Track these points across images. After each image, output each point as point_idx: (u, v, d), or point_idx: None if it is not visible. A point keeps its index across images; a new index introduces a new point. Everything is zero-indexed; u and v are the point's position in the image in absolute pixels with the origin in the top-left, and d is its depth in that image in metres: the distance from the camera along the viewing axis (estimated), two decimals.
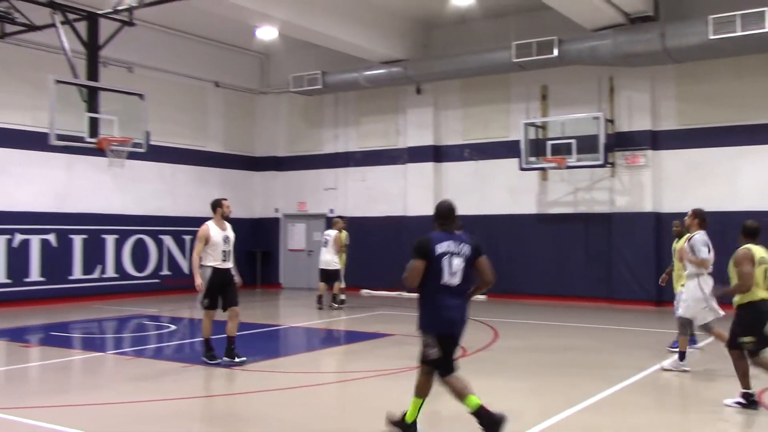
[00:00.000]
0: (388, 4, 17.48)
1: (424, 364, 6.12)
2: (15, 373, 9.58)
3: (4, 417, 6.92)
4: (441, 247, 5.99)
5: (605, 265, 16.66)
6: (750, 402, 7.23)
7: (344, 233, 16.55)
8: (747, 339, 7.21)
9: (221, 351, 9.67)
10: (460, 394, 6.01)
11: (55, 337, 12.48)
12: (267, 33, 17.31)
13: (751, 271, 7.12)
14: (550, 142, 16.66)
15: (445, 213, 6.25)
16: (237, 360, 9.57)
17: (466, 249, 6.12)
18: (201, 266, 9.54)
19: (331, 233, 16.34)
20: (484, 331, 12.61)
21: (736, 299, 7.35)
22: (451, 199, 6.45)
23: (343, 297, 16.44)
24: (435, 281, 5.97)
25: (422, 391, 6.17)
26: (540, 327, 13.35)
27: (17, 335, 12.57)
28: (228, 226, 9.88)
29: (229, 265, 9.77)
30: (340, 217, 17.38)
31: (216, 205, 9.84)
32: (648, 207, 16.48)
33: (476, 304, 16.44)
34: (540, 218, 17.78)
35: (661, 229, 16.17)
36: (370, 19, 17.35)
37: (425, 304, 6.11)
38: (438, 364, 6.04)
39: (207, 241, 9.52)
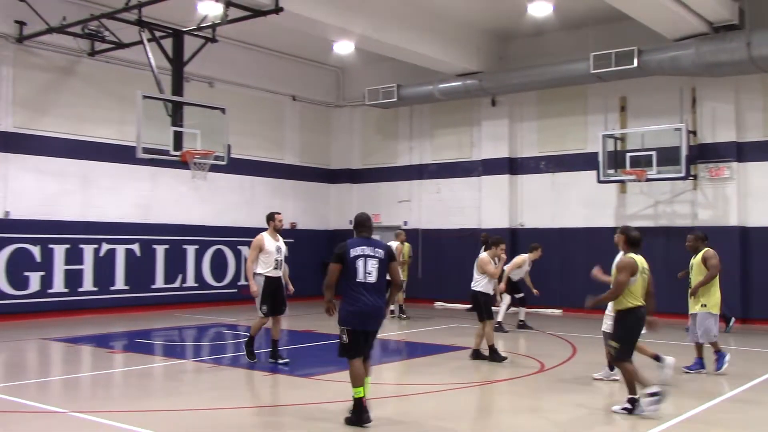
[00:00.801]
0: (464, 17, 17.49)
1: (341, 356, 7.11)
2: (101, 378, 9.91)
3: (91, 419, 7.18)
4: (355, 251, 7.03)
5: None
6: (634, 407, 7.48)
7: (407, 245, 17.00)
8: (614, 344, 7.60)
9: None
10: (355, 379, 6.92)
11: (138, 344, 12.87)
12: (344, 47, 17.54)
13: (626, 281, 7.40)
14: (629, 154, 16.33)
15: (361, 222, 7.37)
16: (281, 361, 10.27)
17: (380, 252, 7.14)
18: (255, 274, 10.20)
19: (393, 245, 16.38)
20: (562, 346, 12.40)
21: (615, 306, 7.70)
22: (366, 212, 7.71)
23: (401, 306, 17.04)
24: (351, 280, 7.00)
25: (357, 381, 6.97)
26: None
27: (103, 341, 13.02)
28: (280, 237, 10.52)
29: (280, 273, 10.41)
30: (401, 229, 17.74)
31: (270, 218, 10.51)
32: (733, 221, 15.94)
33: (552, 319, 16.23)
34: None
35: (747, 243, 15.63)
36: (446, 32, 17.39)
37: (344, 300, 7.09)
38: (347, 350, 7.03)
39: (261, 250, 10.21)
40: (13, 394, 8.32)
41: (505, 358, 10.68)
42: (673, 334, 12.16)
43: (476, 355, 10.87)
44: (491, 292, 11.07)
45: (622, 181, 16.88)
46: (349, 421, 6.92)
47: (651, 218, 17.19)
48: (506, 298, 14.35)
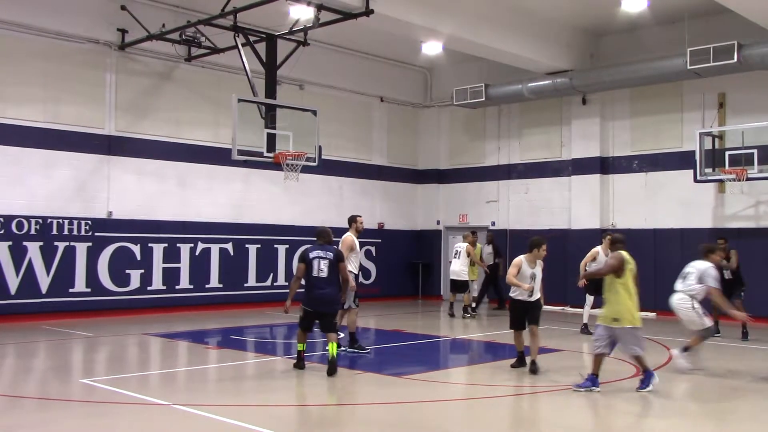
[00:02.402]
0: (554, 14, 17.23)
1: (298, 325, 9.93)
2: (198, 373, 10.26)
3: (192, 412, 7.43)
4: (313, 254, 9.74)
5: None
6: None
7: (479, 246, 17.71)
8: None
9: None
10: (298, 340, 9.92)
11: (232, 340, 13.23)
12: (432, 48, 17.56)
13: (615, 264, 8.72)
14: (728, 152, 15.73)
15: (319, 234, 10.14)
16: (364, 350, 11.37)
17: (330, 255, 9.77)
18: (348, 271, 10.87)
19: (462, 246, 17.03)
20: (657, 350, 12.06)
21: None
22: (327, 226, 10.53)
23: (473, 305, 17.33)
24: (309, 275, 9.66)
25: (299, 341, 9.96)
26: (720, 348, 12.57)
27: (199, 337, 13.45)
28: None
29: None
30: (472, 232, 17.86)
31: (352, 220, 11.51)
32: None
33: (646, 322, 15.82)
34: (717, 233, 16.74)
35: None
36: (536, 30, 17.18)
37: (305, 289, 9.76)
38: (300, 322, 9.90)
39: (352, 249, 11.18)
40: (118, 386, 8.71)
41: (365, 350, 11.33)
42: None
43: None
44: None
45: (720, 181, 16.28)
46: (294, 366, 9.88)
47: (752, 219, 16.51)
48: (589, 299, 13.80)
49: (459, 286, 16.91)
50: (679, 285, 10.17)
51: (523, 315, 9.95)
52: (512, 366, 10.10)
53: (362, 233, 11.84)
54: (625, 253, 8.81)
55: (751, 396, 8.91)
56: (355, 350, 11.23)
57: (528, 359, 9.96)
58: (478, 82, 19.57)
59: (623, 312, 8.55)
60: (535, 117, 20.25)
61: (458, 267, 16.81)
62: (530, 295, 9.89)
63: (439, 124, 22.48)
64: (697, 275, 9.96)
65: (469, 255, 16.95)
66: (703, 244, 10.55)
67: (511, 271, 9.89)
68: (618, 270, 8.68)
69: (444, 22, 15.29)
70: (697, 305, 9.98)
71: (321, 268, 9.64)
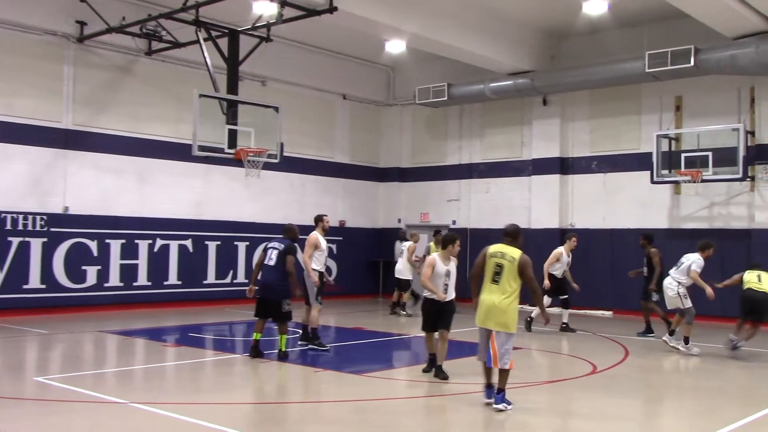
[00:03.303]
0: (516, 16, 17.38)
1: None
2: (156, 370, 10.14)
3: (150, 410, 7.35)
4: (270, 245, 10.71)
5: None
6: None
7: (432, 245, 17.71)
8: None
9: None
10: (255, 329, 10.50)
11: (191, 338, 13.11)
12: (395, 46, 17.59)
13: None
14: (684, 155, 16.05)
15: (284, 230, 10.96)
16: (324, 347, 11.35)
17: (280, 247, 10.54)
18: (312, 269, 11.22)
19: (406, 245, 17.08)
20: (614, 349, 12.27)
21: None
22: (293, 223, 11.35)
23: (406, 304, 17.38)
24: (262, 262, 10.60)
25: (257, 328, 10.62)
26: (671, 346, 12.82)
27: (156, 335, 13.30)
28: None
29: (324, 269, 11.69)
30: (437, 231, 18.02)
31: (318, 219, 11.68)
32: None
33: (603, 321, 16.03)
34: (672, 233, 17.11)
35: None
36: (498, 31, 17.31)
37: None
38: (255, 310, 10.60)
39: (316, 247, 11.32)
40: (74, 384, 8.57)
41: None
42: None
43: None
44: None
45: (676, 182, 16.59)
46: (249, 354, 10.49)
47: (706, 220, 16.86)
48: (546, 300, 13.60)
49: (403, 285, 17.09)
50: (672, 271, 12.00)
51: (437, 317, 9.22)
52: (424, 371, 9.51)
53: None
54: (494, 247, 7.87)
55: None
56: (316, 347, 11.24)
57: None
58: (441, 82, 19.66)
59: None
60: (497, 117, 20.41)
61: (401, 266, 17.00)
62: (445, 291, 9.21)
63: (402, 123, 22.53)
64: (688, 264, 11.74)
65: (412, 253, 17.00)
66: (701, 241, 12.24)
67: (426, 272, 9.24)
68: (477, 267, 7.89)
69: (407, 21, 15.33)
70: (682, 290, 11.74)
71: (270, 257, 10.48)
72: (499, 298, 7.53)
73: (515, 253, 7.65)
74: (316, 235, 11.38)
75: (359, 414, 7.55)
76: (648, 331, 13.67)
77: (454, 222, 20.92)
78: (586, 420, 7.80)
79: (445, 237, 9.59)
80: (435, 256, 9.38)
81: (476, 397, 8.02)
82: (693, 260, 11.75)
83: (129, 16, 15.22)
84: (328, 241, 11.97)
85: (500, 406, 7.47)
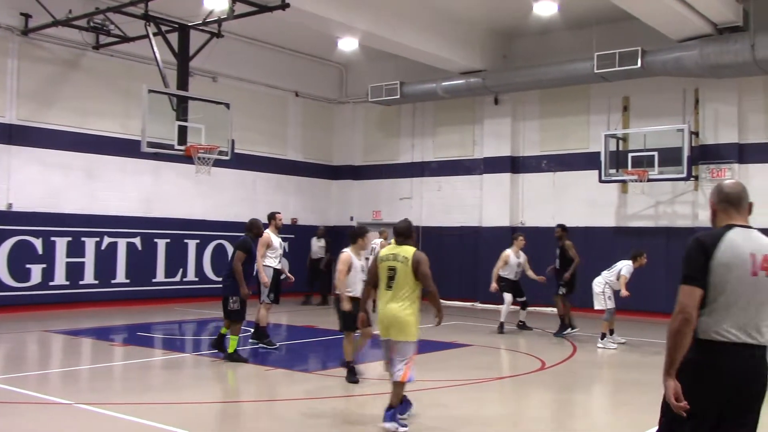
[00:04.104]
0: (468, 16, 17.51)
1: None
2: (103, 370, 9.96)
3: (96, 411, 7.22)
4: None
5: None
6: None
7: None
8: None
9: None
10: (225, 324, 10.20)
11: (139, 337, 12.91)
12: (348, 44, 17.57)
13: None
14: (631, 154, 16.36)
15: (246, 227, 10.60)
16: (273, 345, 11.27)
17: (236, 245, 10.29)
18: (264, 266, 11.10)
19: (377, 242, 17.31)
20: (561, 345, 12.46)
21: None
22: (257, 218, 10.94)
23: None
24: None
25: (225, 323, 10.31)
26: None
27: (104, 334, 13.06)
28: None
29: (280, 266, 11.52)
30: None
31: (271, 217, 11.60)
32: None
33: (552, 318, 16.25)
34: (619, 231, 17.45)
35: None
36: (451, 30, 17.41)
37: None
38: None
39: (268, 246, 11.15)
40: (17, 385, 8.37)
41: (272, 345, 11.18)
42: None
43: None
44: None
45: (623, 181, 16.92)
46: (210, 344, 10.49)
47: (652, 218, 17.23)
48: (507, 297, 13.81)
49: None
50: (604, 272, 12.52)
51: (357, 315, 8.18)
52: (351, 381, 8.81)
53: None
54: (384, 249, 7.08)
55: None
56: (265, 345, 11.18)
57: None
58: (394, 80, 19.70)
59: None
60: (449, 116, 20.54)
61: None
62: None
63: (354, 121, 22.52)
64: (619, 269, 12.25)
65: None
66: (633, 250, 12.65)
67: (341, 268, 8.74)
68: (370, 274, 7.22)
69: (360, 19, 15.31)
70: (608, 291, 12.28)
71: (231, 256, 10.49)
72: (396, 305, 6.71)
73: (408, 251, 6.77)
74: (268, 234, 11.31)
75: (310, 412, 7.52)
76: (568, 326, 13.52)
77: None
78: (530, 414, 7.91)
79: (355, 230, 9.10)
80: (349, 251, 8.86)
81: (435, 391, 8.07)
82: (624, 266, 12.26)
83: (76, 9, 14.90)
84: (281, 239, 11.86)
85: (389, 426, 6.55)
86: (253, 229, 10.58)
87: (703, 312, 3.64)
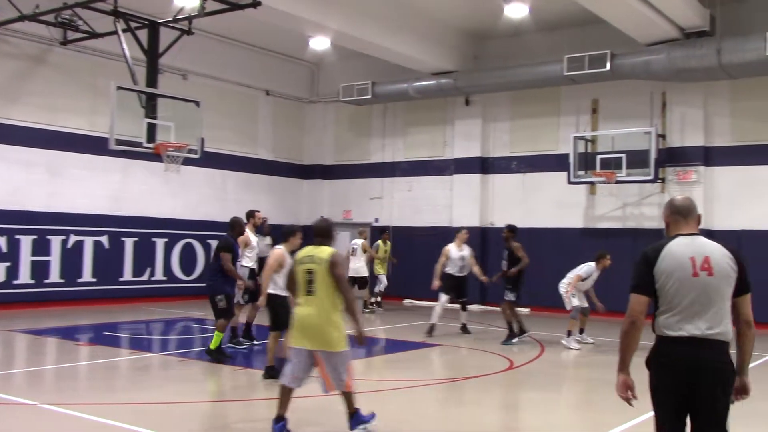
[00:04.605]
0: (440, 16, 17.57)
1: None
2: (68, 370, 9.83)
3: (61, 411, 7.12)
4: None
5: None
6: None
7: (389, 244, 18.28)
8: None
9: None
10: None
11: (105, 336, 12.76)
12: (319, 43, 17.52)
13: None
14: (599, 156, 16.54)
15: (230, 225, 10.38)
16: (242, 346, 11.22)
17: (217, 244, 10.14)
18: (241, 266, 10.96)
19: (359, 242, 17.33)
20: (529, 345, 12.54)
21: None
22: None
23: (378, 300, 17.95)
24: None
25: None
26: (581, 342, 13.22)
27: (69, 334, 12.90)
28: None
29: (255, 266, 11.43)
30: (382, 230, 18.50)
31: (250, 215, 11.46)
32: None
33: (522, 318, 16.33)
34: (587, 232, 17.63)
35: None
36: (423, 31, 17.45)
37: None
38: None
39: (247, 245, 11.01)
40: None
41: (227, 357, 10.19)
42: None
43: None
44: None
45: (591, 183, 17.10)
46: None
47: (619, 220, 17.43)
48: (443, 298, 13.27)
49: (359, 283, 17.06)
50: (568, 273, 12.67)
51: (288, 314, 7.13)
52: (269, 377, 8.72)
53: None
54: (303, 250, 6.61)
55: None
56: (234, 345, 11.08)
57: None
58: (365, 80, 19.69)
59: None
60: (420, 116, 20.59)
61: (356, 264, 17.00)
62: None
63: (325, 120, 22.47)
64: (580, 269, 12.48)
65: (365, 251, 17.29)
66: (598, 251, 12.74)
67: (271, 264, 8.67)
68: (289, 278, 6.73)
69: (332, 18, 15.28)
70: (572, 290, 12.40)
71: (213, 255, 10.48)
72: (316, 312, 6.19)
73: (325, 253, 6.29)
74: (247, 233, 11.16)
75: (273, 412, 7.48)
76: (517, 332, 12.74)
77: (376, 220, 21.00)
78: (500, 414, 7.96)
79: (287, 229, 9.16)
80: (282, 248, 8.78)
81: (403, 391, 8.07)
82: (584, 267, 12.48)
83: (43, 3, 14.61)
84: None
85: (359, 430, 6.39)
86: (236, 228, 10.35)
87: (658, 314, 4.08)
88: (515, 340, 12.56)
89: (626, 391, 4.15)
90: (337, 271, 6.19)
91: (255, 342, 11.51)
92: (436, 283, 13.40)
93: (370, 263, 17.68)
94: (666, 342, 4.05)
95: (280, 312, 8.54)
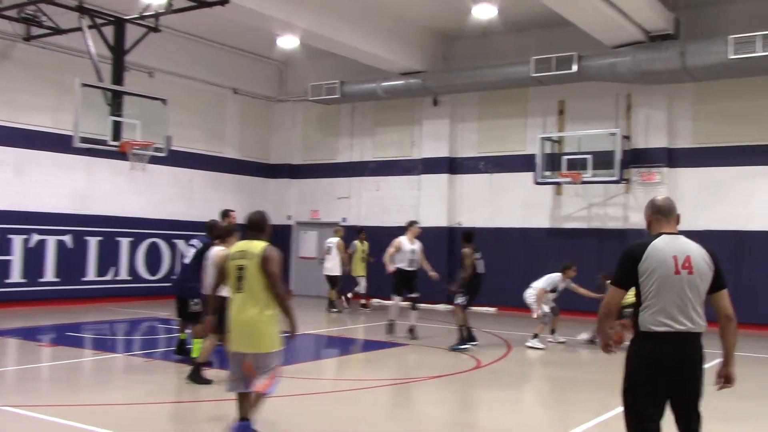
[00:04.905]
0: (409, 16, 17.60)
1: None
2: (30, 372, 9.66)
3: (22, 413, 7.00)
4: (190, 242, 10.07)
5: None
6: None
7: (366, 244, 18.20)
8: None
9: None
10: (179, 329, 10.04)
11: (68, 337, 12.57)
12: (288, 42, 17.45)
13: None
14: (565, 157, 16.71)
15: (205, 227, 9.83)
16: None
17: (198, 245, 9.70)
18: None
19: (333, 241, 17.37)
20: (496, 344, 12.62)
21: None
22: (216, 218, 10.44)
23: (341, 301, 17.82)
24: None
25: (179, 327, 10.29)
26: (551, 342, 13.34)
27: (31, 334, 12.68)
28: None
29: None
30: (359, 230, 18.48)
31: (224, 215, 11.20)
32: None
33: (487, 317, 16.47)
34: (553, 232, 17.80)
35: None
36: (391, 31, 17.47)
37: None
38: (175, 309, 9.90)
39: None
40: None
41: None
42: None
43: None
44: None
45: (558, 183, 17.25)
46: (174, 351, 10.21)
47: (585, 220, 17.61)
48: (395, 298, 12.80)
49: (333, 281, 17.12)
50: (533, 283, 12.84)
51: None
52: (192, 379, 8.52)
53: None
54: (235, 246, 6.28)
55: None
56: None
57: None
58: (334, 79, 19.66)
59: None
60: (388, 116, 20.60)
61: (330, 263, 17.05)
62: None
63: (294, 119, 22.38)
64: (546, 281, 12.70)
65: (341, 250, 17.30)
66: (564, 263, 12.97)
67: (217, 261, 8.12)
68: (218, 274, 6.43)
69: (301, 17, 15.23)
70: (536, 300, 12.53)
71: (187, 255, 10.06)
72: (249, 311, 5.86)
73: (257, 247, 5.93)
74: None
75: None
76: (465, 339, 11.92)
77: (344, 219, 20.96)
78: (468, 412, 7.99)
79: (222, 229, 9.13)
80: (222, 248, 8.62)
81: (369, 391, 8.07)
82: (549, 279, 12.73)
83: None
84: None
85: None
86: (214, 230, 9.65)
87: (642, 310, 4.32)
88: (464, 346, 11.71)
89: (608, 339, 4.55)
90: (269, 267, 5.84)
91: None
92: (390, 268, 12.87)
93: (348, 263, 17.62)
94: (650, 337, 4.28)
95: (222, 315, 8.24)
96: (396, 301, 13.11)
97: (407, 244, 13.06)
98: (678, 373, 4.26)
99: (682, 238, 4.44)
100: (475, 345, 11.85)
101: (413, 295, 12.98)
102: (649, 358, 4.27)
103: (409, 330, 12.88)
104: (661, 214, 4.55)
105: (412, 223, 13.47)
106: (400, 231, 13.65)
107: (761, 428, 7.54)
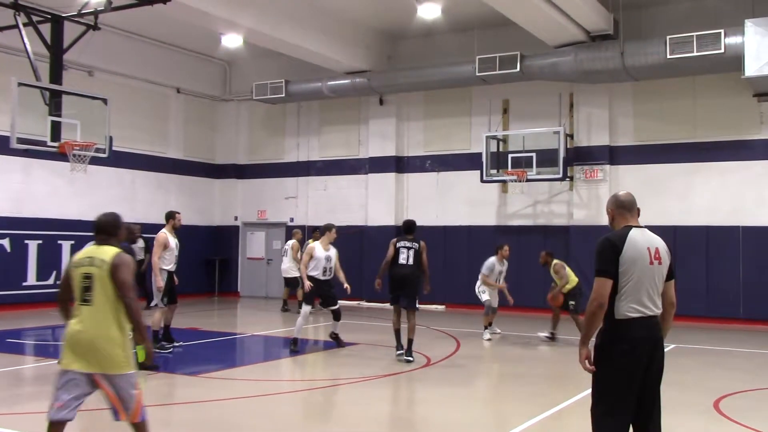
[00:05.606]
0: (354, 16, 17.60)
1: None
2: None
3: None
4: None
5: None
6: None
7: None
8: None
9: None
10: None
11: (8, 344, 12.21)
12: (232, 41, 17.25)
13: None
14: (510, 155, 16.93)
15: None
16: (176, 344, 11.29)
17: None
18: (160, 269, 10.78)
19: (290, 243, 17.23)
20: (446, 341, 12.72)
21: None
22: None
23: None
24: None
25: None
26: (501, 338, 13.51)
27: None
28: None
29: (174, 268, 11.16)
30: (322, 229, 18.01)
31: (169, 216, 11.24)
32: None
33: (436, 315, 16.58)
34: (499, 230, 18.00)
35: None
36: (336, 30, 17.44)
37: None
38: None
39: (165, 247, 10.88)
40: None
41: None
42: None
43: None
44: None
45: (503, 181, 17.46)
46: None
47: (530, 217, 17.87)
48: (305, 309, 11.65)
49: (290, 284, 17.03)
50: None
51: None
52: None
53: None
54: (81, 252, 5.37)
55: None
56: (158, 350, 10.74)
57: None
58: (279, 78, 19.55)
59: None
60: (335, 115, 20.57)
61: (286, 265, 16.98)
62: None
63: (238, 119, 22.17)
64: (484, 267, 13.32)
65: (296, 252, 17.04)
66: (498, 244, 13.53)
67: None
68: (62, 285, 5.34)
69: (244, 16, 15.08)
70: (481, 287, 13.33)
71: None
72: (93, 326, 5.02)
73: (107, 253, 5.12)
74: (165, 234, 10.94)
75: (194, 416, 7.34)
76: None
77: (292, 219, 20.87)
78: (420, 409, 8.03)
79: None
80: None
81: (320, 391, 8.03)
82: (486, 264, 13.33)
83: None
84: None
85: None
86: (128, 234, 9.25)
87: (618, 299, 4.47)
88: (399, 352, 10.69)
89: (585, 361, 4.50)
90: (120, 276, 5.00)
91: (177, 344, 11.33)
92: (307, 284, 11.39)
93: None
94: (626, 323, 4.43)
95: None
96: (305, 311, 11.56)
97: (321, 250, 11.56)
98: (651, 356, 4.45)
99: (649, 231, 4.70)
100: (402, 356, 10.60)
101: (333, 308, 11.79)
102: (628, 342, 4.41)
103: (331, 336, 12.04)
104: (625, 209, 4.74)
105: (329, 227, 11.78)
106: (347, 230, 13.57)
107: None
